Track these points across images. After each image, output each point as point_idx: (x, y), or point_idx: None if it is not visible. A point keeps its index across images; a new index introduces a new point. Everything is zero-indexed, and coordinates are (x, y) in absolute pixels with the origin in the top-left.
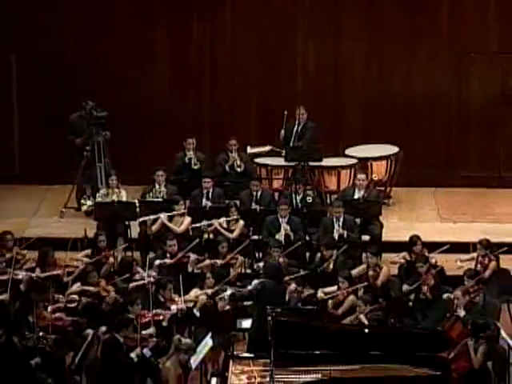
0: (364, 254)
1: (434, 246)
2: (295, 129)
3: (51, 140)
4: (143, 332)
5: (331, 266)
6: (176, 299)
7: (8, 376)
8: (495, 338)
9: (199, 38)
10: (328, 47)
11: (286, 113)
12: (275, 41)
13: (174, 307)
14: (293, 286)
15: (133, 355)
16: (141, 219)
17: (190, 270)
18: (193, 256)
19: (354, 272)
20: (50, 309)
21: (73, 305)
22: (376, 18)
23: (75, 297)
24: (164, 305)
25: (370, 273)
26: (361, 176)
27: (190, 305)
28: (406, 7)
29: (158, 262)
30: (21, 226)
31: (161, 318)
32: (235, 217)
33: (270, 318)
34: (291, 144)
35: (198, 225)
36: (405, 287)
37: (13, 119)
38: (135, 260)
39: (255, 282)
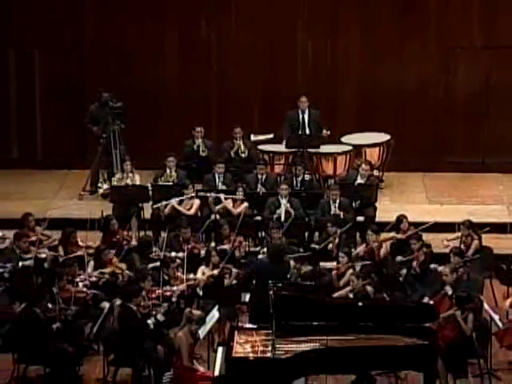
0: (357, 234)
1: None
2: (301, 117)
3: (70, 128)
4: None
5: (336, 241)
6: (181, 277)
7: (32, 345)
8: (479, 309)
9: (207, 33)
10: (325, 43)
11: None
12: (277, 37)
13: (175, 288)
14: (292, 262)
15: (149, 322)
16: (154, 206)
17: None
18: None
19: (355, 253)
20: (77, 281)
21: (94, 279)
22: (370, 15)
23: (95, 273)
24: (169, 282)
25: (375, 244)
26: (365, 166)
27: (193, 282)
28: (397, 5)
29: (173, 254)
30: (42, 208)
31: (168, 294)
32: (241, 197)
33: (271, 292)
34: (300, 131)
35: (206, 195)
36: (398, 258)
37: (35, 110)
38: (152, 239)
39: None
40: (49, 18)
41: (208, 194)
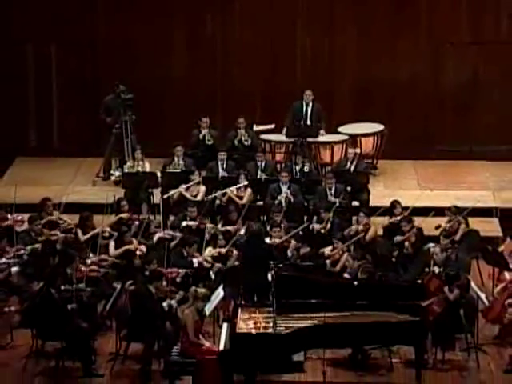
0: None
1: (414, 211)
2: (304, 109)
3: (85, 119)
4: None
5: (328, 225)
6: (197, 255)
7: (49, 322)
8: (466, 287)
9: (212, 31)
10: (323, 40)
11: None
12: (277, 35)
13: (195, 260)
14: (293, 243)
15: (164, 304)
16: (165, 196)
17: (206, 236)
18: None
19: (347, 231)
20: (89, 261)
21: (108, 262)
22: (365, 12)
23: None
24: (186, 259)
25: (360, 227)
26: (351, 150)
27: (208, 265)
28: (391, 3)
29: (184, 223)
30: (59, 193)
31: (174, 275)
32: (245, 183)
33: (272, 272)
34: (302, 122)
35: (211, 196)
36: (397, 238)
37: (52, 101)
38: (152, 221)
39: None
40: (65, 16)
41: (215, 194)
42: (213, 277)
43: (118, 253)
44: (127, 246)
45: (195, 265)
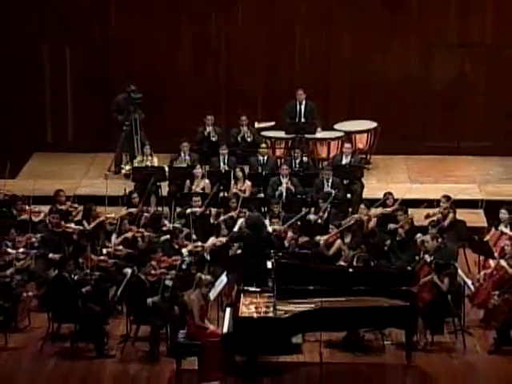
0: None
1: (404, 202)
2: (298, 108)
3: (97, 116)
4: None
5: (325, 215)
6: (188, 245)
7: (64, 306)
8: (454, 274)
9: (216, 29)
10: (320, 39)
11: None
12: (278, 33)
13: (184, 250)
14: (290, 234)
15: (149, 301)
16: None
17: (212, 221)
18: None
19: (344, 221)
20: (105, 251)
21: (119, 253)
22: (359, 14)
23: (121, 248)
24: (177, 250)
25: (365, 218)
26: (347, 145)
27: (200, 249)
28: (384, 6)
29: (189, 210)
30: (73, 186)
31: (178, 262)
32: (240, 174)
33: (272, 260)
34: (297, 120)
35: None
36: (391, 226)
37: (67, 100)
38: (163, 214)
39: (235, 229)
40: (78, 18)
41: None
42: (208, 258)
43: (119, 241)
44: (125, 235)
45: (185, 254)
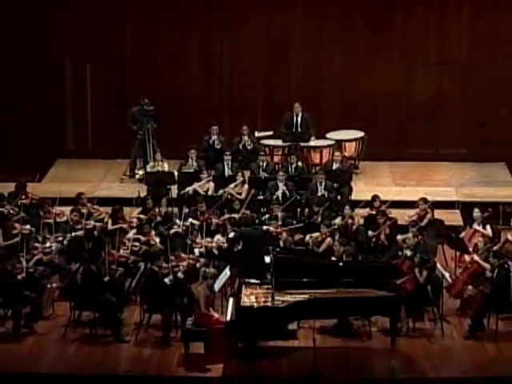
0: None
1: (390, 204)
2: (295, 119)
3: (114, 126)
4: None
5: (319, 218)
6: (200, 242)
7: (85, 296)
8: (433, 268)
9: (221, 50)
10: (313, 58)
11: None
12: (275, 54)
13: (196, 250)
14: (284, 235)
15: (168, 279)
16: (182, 192)
17: (212, 227)
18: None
19: (335, 221)
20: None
21: (136, 248)
22: (348, 36)
23: (137, 244)
24: (191, 246)
25: (350, 221)
26: (337, 153)
27: (210, 246)
28: (370, 28)
29: (190, 220)
30: (92, 189)
31: (194, 262)
32: (241, 179)
33: (271, 256)
34: (293, 130)
35: (220, 191)
36: (369, 233)
37: (87, 111)
38: (175, 214)
39: (232, 233)
40: (98, 36)
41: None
42: (216, 252)
43: (134, 237)
44: (142, 238)
45: (196, 254)
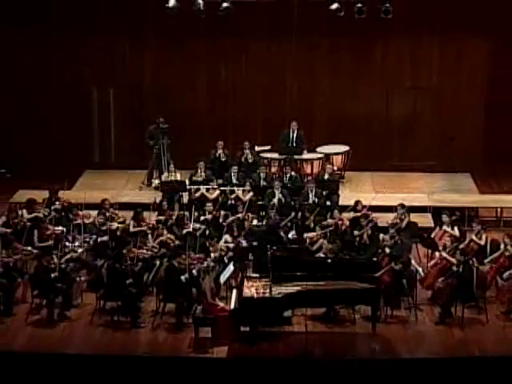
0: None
1: (370, 208)
2: (291, 136)
3: (134, 142)
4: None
5: (312, 224)
6: (215, 245)
7: (110, 287)
8: (408, 263)
9: (225, 75)
10: (305, 83)
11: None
12: (273, 78)
13: (212, 254)
14: (282, 234)
15: (182, 277)
16: (188, 187)
17: (220, 220)
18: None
19: (325, 222)
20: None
21: (156, 250)
22: (335, 64)
23: (156, 245)
24: (208, 248)
25: (340, 222)
26: (329, 166)
27: (223, 253)
28: (354, 57)
29: (202, 217)
30: (115, 195)
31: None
32: (248, 188)
33: (269, 253)
34: (289, 145)
35: (224, 189)
36: (355, 232)
37: (110, 129)
38: (186, 216)
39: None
40: (119, 66)
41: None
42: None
43: (156, 242)
44: (160, 238)
45: (212, 257)
